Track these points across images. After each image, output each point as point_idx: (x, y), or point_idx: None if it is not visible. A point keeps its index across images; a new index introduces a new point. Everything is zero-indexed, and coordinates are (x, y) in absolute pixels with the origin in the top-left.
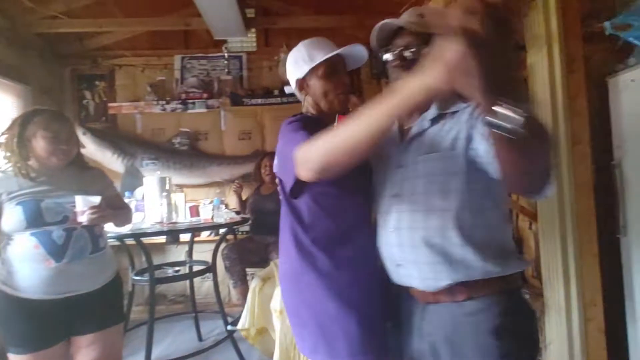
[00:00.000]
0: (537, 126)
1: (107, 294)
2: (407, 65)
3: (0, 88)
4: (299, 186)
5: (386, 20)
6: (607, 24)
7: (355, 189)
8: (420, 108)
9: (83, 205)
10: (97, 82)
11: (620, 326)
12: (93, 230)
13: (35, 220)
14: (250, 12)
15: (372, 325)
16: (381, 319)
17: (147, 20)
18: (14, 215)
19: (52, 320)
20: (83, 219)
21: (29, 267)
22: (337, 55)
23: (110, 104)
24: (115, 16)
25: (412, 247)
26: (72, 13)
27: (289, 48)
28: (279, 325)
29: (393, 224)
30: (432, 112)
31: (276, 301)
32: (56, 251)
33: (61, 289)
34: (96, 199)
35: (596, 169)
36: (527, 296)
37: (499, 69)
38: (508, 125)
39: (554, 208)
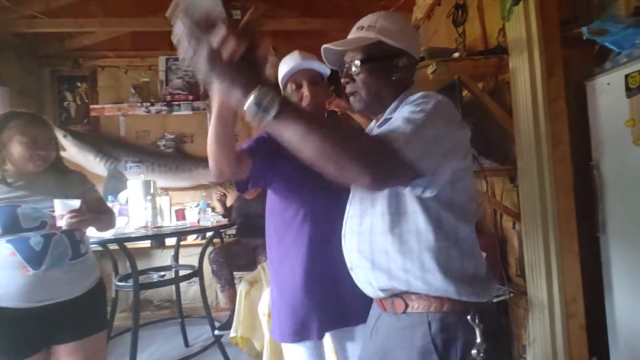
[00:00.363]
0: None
1: (88, 301)
2: (354, 80)
3: None
4: (241, 184)
5: (324, 46)
6: (584, 29)
7: (310, 191)
8: (227, 107)
9: (62, 210)
10: (78, 84)
11: (600, 322)
12: (73, 236)
13: (11, 226)
14: (236, 14)
15: (302, 317)
16: (316, 313)
17: (130, 21)
18: None
19: (30, 329)
20: (62, 223)
21: (5, 275)
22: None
23: (92, 106)
24: (96, 16)
25: (351, 251)
26: (52, 12)
27: (276, 50)
28: (267, 328)
29: (343, 229)
30: (382, 116)
31: (264, 304)
32: (34, 258)
33: (39, 297)
34: (76, 203)
35: (575, 170)
36: (510, 295)
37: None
38: (254, 109)
39: (537, 208)
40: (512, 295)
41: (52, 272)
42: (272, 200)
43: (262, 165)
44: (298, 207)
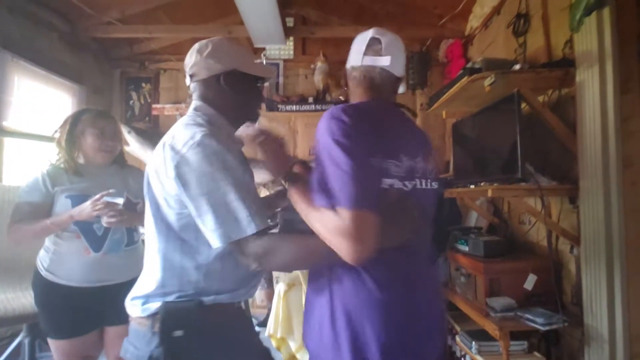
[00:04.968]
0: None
1: None
2: None
3: (59, 87)
4: None
5: None
6: None
7: None
8: None
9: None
10: (143, 84)
11: None
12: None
13: None
14: (290, 21)
15: None
16: None
17: (192, 28)
18: (63, 207)
19: (87, 308)
20: (102, 220)
21: (70, 256)
22: None
23: (154, 106)
24: (163, 23)
25: None
26: (126, 19)
27: (326, 57)
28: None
29: None
30: None
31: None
32: (95, 242)
33: (96, 277)
34: (120, 201)
35: None
36: (564, 324)
37: None
38: None
39: (600, 233)
40: (565, 324)
41: (109, 256)
42: None
43: None
44: None
